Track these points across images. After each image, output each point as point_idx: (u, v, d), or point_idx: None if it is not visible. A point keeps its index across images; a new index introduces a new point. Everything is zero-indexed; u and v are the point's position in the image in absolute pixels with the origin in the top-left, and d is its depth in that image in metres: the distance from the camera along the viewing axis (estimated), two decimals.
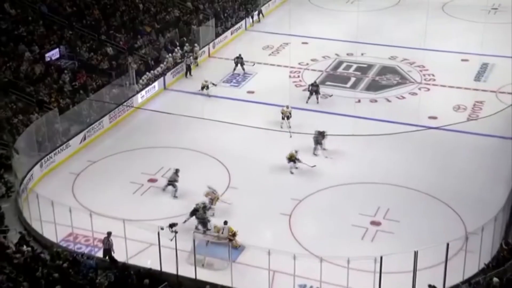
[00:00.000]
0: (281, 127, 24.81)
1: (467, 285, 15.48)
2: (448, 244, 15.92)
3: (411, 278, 15.99)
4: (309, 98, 27.70)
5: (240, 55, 31.80)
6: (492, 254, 17.39)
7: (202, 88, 29.21)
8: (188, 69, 31.87)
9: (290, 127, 24.85)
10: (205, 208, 19.71)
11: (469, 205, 20.87)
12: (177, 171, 21.89)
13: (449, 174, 22.83)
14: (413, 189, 21.83)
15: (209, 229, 19.43)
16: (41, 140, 23.89)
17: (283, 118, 25.42)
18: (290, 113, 25.43)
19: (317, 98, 27.79)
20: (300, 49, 34.28)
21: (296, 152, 22.97)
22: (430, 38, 31.75)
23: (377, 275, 15.76)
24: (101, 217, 18.99)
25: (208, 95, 28.98)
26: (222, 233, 18.62)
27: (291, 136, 24.48)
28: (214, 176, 23.03)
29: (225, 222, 18.86)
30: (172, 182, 21.78)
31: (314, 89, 27.79)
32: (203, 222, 19.57)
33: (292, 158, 22.84)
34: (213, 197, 20.69)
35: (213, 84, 29.44)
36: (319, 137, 23.74)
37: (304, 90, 29.89)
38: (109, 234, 18.14)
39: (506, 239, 17.45)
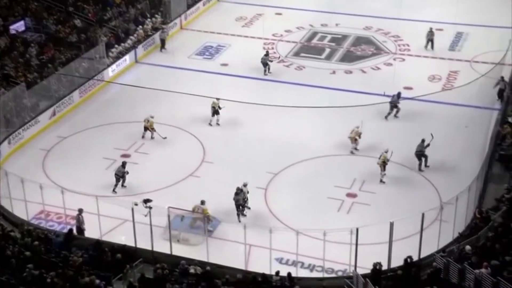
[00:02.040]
0: None
1: (441, 254, 15.55)
2: (423, 214, 15.99)
3: (387, 248, 16.03)
4: (389, 113, 24.57)
5: (267, 52, 28.62)
6: (466, 223, 17.52)
7: (214, 113, 24.31)
8: (162, 43, 31.23)
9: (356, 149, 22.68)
10: (240, 190, 19.22)
11: (443, 175, 20.97)
12: (123, 164, 20.78)
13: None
14: (389, 160, 21.79)
15: (243, 213, 19.16)
16: (9, 116, 23.33)
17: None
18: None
19: (397, 113, 24.55)
20: (274, 20, 33.82)
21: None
22: (405, 8, 31.56)
23: (353, 246, 15.79)
24: (74, 193, 18.61)
25: (212, 124, 24.50)
26: (197, 211, 18.33)
27: (356, 150, 22.60)
28: (189, 150, 22.79)
29: (202, 202, 18.56)
30: (119, 176, 20.61)
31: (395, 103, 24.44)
32: (237, 204, 19.19)
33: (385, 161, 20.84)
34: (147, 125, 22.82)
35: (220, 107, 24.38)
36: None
37: (279, 62, 29.56)
38: (80, 211, 17.94)
39: (480, 208, 17.58)
